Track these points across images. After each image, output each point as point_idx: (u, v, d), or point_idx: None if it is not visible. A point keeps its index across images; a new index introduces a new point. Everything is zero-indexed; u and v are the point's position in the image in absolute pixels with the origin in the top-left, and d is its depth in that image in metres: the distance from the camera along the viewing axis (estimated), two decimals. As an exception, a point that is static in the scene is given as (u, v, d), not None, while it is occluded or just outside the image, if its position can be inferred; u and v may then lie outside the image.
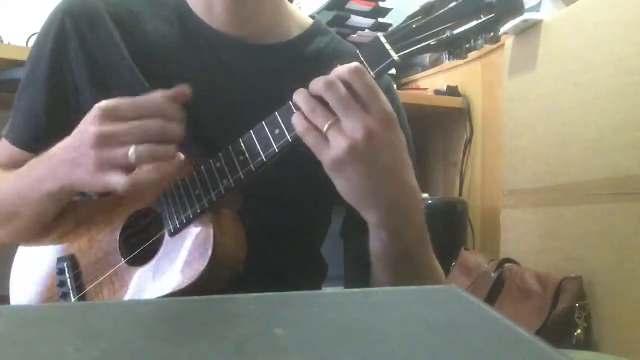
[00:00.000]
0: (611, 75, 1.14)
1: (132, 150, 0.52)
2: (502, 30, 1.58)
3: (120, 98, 0.55)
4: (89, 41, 0.69)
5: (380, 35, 0.52)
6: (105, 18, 0.69)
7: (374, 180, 0.53)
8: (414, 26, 0.51)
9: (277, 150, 0.55)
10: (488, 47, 1.68)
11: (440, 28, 0.50)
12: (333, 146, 0.51)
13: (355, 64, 0.52)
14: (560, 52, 1.30)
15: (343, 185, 0.54)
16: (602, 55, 1.17)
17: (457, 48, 0.51)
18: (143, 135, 0.53)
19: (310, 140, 0.52)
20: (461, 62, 1.82)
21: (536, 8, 1.49)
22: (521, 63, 1.43)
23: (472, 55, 1.74)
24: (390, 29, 0.55)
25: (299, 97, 0.53)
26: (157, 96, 0.55)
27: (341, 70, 0.52)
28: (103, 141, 0.53)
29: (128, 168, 0.53)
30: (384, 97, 0.52)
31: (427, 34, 0.50)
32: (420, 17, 0.51)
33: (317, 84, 0.52)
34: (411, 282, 0.60)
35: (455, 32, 0.49)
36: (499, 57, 1.58)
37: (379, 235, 0.58)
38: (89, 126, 0.54)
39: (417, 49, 0.51)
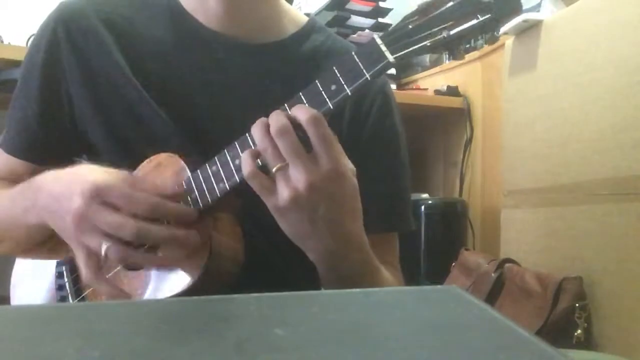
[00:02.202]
0: (611, 75, 1.14)
1: (104, 246, 0.54)
2: (502, 30, 1.58)
3: (119, 180, 0.56)
4: (82, 49, 0.69)
5: (376, 36, 0.52)
6: (98, 25, 0.69)
7: (313, 228, 0.54)
8: (410, 27, 0.50)
9: None
10: (488, 47, 1.68)
11: (436, 28, 0.49)
12: (278, 191, 0.52)
13: (314, 113, 0.52)
14: (560, 52, 1.30)
15: (284, 226, 0.56)
16: (602, 55, 1.17)
17: (454, 48, 0.50)
18: (117, 233, 0.54)
19: (254, 184, 0.54)
20: (461, 62, 1.81)
21: (536, 8, 1.49)
22: (521, 63, 1.43)
23: (472, 55, 1.75)
24: (387, 30, 0.54)
25: (256, 131, 0.53)
26: (159, 191, 0.57)
27: (300, 114, 0.52)
28: (82, 221, 0.54)
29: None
30: (336, 149, 0.53)
31: (423, 34, 0.50)
32: (416, 17, 0.50)
33: (272, 127, 0.52)
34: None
35: (452, 32, 0.49)
36: (499, 57, 1.58)
37: (317, 265, 0.60)
38: (76, 197, 0.55)
39: (413, 49, 0.50)
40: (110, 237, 0.54)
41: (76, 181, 0.57)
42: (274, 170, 0.52)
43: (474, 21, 0.48)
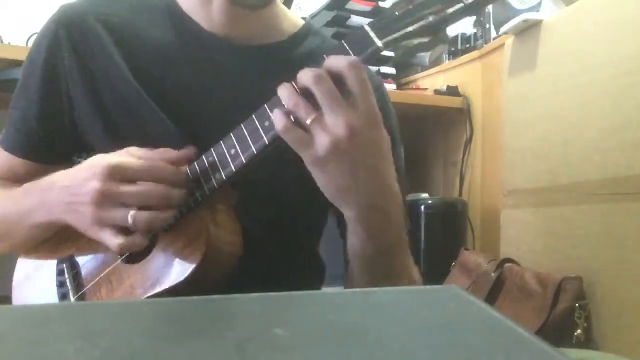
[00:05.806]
0: (611, 75, 1.14)
1: (131, 215, 0.55)
2: (502, 30, 1.58)
3: (130, 157, 0.58)
4: (82, 51, 0.69)
5: (365, 24, 0.53)
6: (98, 28, 0.70)
7: (355, 178, 0.53)
8: (398, 13, 0.51)
9: (266, 142, 0.55)
10: (488, 47, 1.68)
11: (424, 13, 0.50)
12: (316, 142, 0.51)
13: (353, 58, 0.52)
14: (560, 52, 1.30)
15: (324, 180, 0.54)
16: (602, 55, 1.17)
17: (439, 32, 0.51)
18: (145, 200, 0.56)
19: (289, 138, 0.52)
20: (461, 62, 1.82)
21: (536, 8, 1.50)
22: (521, 63, 1.43)
23: (472, 55, 1.76)
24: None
25: (283, 91, 0.53)
26: (169, 156, 0.59)
27: (338, 62, 0.51)
28: (103, 200, 0.56)
29: (125, 227, 0.57)
30: (373, 97, 0.52)
31: (410, 19, 0.51)
32: (404, 3, 0.52)
33: (306, 76, 0.51)
34: (384, 284, 0.60)
35: (438, 16, 0.50)
36: (499, 57, 1.58)
37: (357, 232, 0.58)
38: (92, 181, 0.56)
39: (401, 34, 0.51)
40: (133, 207, 0.56)
41: (88, 167, 0.58)
42: (309, 122, 0.51)
43: (459, 5, 0.49)
